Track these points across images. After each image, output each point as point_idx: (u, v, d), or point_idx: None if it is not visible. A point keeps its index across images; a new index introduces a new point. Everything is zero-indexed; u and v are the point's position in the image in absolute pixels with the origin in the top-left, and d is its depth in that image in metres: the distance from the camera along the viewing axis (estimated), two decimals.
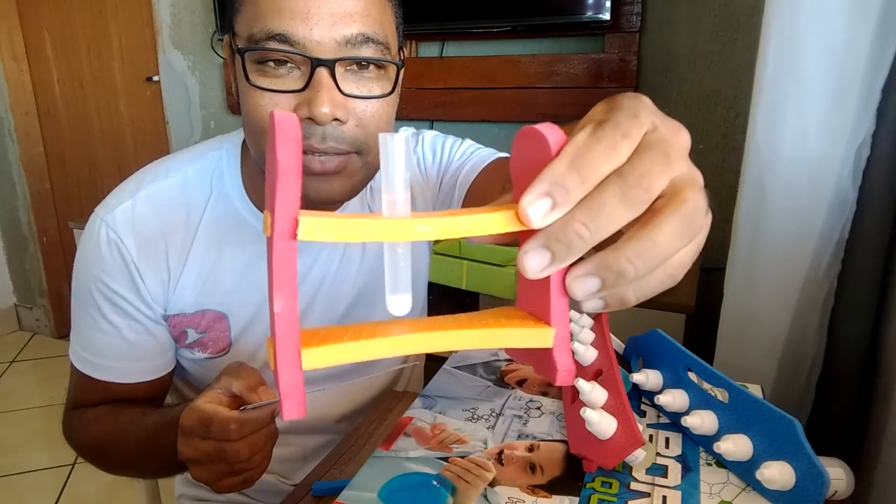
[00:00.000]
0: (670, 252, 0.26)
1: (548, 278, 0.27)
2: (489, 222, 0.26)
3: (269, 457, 0.58)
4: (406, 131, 0.82)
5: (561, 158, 0.25)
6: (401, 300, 0.27)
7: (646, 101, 0.28)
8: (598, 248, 0.26)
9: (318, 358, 0.24)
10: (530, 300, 0.29)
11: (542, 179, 0.25)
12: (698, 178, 0.27)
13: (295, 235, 0.23)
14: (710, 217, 0.27)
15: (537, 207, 0.25)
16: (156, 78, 2.36)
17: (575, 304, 0.27)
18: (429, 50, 1.82)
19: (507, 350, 0.30)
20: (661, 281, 0.27)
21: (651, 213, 0.25)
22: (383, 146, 0.26)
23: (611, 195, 0.25)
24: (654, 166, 0.25)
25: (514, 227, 0.26)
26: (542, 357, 0.29)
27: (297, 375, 0.24)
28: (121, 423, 0.70)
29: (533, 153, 0.27)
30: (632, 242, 0.25)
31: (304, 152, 0.58)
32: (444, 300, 1.54)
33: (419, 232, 0.25)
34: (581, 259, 0.26)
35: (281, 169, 0.23)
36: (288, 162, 0.23)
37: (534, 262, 0.25)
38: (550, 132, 0.26)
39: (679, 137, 0.27)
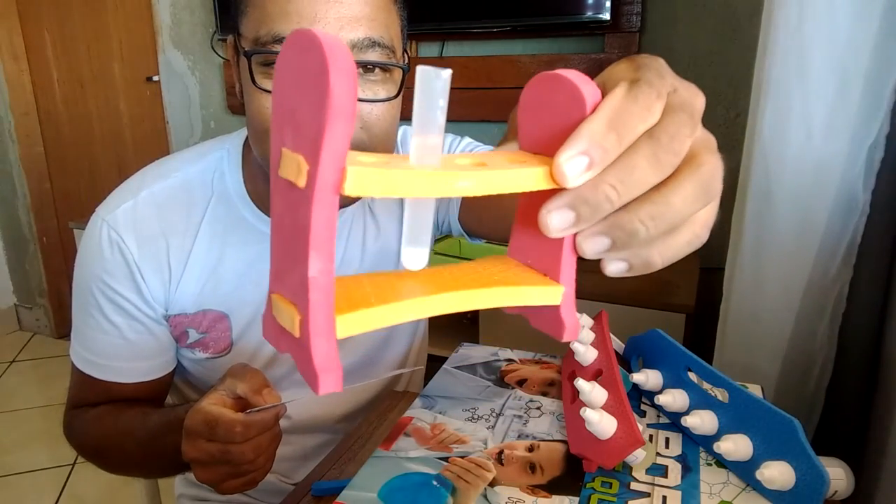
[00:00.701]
0: (685, 215, 0.25)
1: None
2: (525, 179, 0.24)
3: (272, 458, 0.58)
4: (408, 130, 0.82)
5: (600, 116, 0.24)
6: (418, 254, 0.26)
7: (663, 63, 0.27)
8: None
9: (353, 325, 0.22)
10: (531, 252, 0.28)
11: (581, 137, 0.24)
12: (712, 141, 0.27)
13: (340, 189, 0.20)
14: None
15: (574, 165, 0.24)
16: (156, 78, 2.36)
17: (595, 264, 0.27)
18: (429, 50, 1.82)
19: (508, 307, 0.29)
20: (686, 241, 0.27)
21: (671, 175, 0.25)
22: (426, 80, 0.23)
23: (642, 157, 0.24)
24: (682, 127, 0.25)
25: (545, 185, 0.25)
26: (544, 312, 0.28)
27: (332, 346, 0.22)
28: (122, 423, 0.70)
29: (560, 104, 0.26)
30: (646, 204, 0.25)
31: None
32: None
33: (462, 188, 0.23)
34: None
35: (334, 108, 0.19)
36: (343, 99, 0.19)
37: (557, 221, 0.25)
38: (585, 84, 0.25)
39: (698, 99, 0.27)
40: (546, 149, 0.26)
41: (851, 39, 0.75)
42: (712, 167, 0.26)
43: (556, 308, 0.27)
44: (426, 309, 0.24)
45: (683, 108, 0.25)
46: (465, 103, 1.79)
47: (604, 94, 0.25)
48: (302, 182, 0.21)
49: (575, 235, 0.26)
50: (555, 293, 0.27)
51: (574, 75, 0.25)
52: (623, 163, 0.24)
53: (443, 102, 0.24)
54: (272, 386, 0.57)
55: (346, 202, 0.64)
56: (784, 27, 0.78)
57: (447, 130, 0.92)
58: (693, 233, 0.27)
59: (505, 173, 0.24)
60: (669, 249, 0.26)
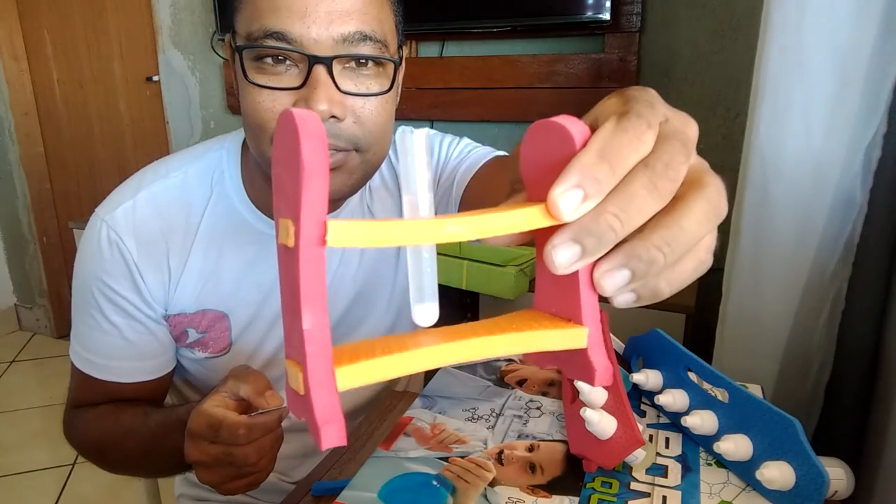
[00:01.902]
0: (698, 237, 0.25)
1: (574, 276, 0.26)
2: (519, 219, 0.25)
3: (274, 460, 0.58)
4: (406, 130, 0.82)
5: (589, 149, 0.25)
6: (428, 309, 0.26)
7: (654, 93, 0.28)
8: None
9: (354, 377, 0.22)
10: (553, 300, 0.28)
11: (571, 171, 0.25)
12: (707, 165, 0.28)
13: (324, 242, 0.21)
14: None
15: (568, 199, 0.24)
16: (156, 78, 2.36)
17: (603, 300, 0.27)
18: (429, 50, 1.82)
19: (531, 357, 0.29)
20: (693, 268, 0.27)
21: (675, 200, 0.25)
22: (402, 143, 0.24)
23: (640, 186, 0.25)
24: (676, 155, 0.25)
25: (542, 223, 0.25)
26: (574, 359, 0.28)
27: (333, 398, 0.22)
28: (123, 423, 0.70)
29: (552, 147, 0.26)
30: (659, 230, 0.25)
31: None
32: (444, 300, 1.53)
33: (450, 233, 0.23)
34: (607, 253, 0.26)
35: (307, 171, 0.21)
36: (314, 162, 0.21)
37: (563, 257, 0.25)
38: (572, 124, 0.26)
39: (690, 127, 0.27)
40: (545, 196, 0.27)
41: (851, 39, 0.75)
42: (717, 187, 0.26)
43: (583, 352, 0.27)
44: (433, 359, 0.24)
45: (676, 136, 0.26)
46: (465, 103, 1.79)
47: (593, 126, 0.26)
48: (291, 242, 0.22)
49: (592, 274, 0.26)
50: (578, 335, 0.27)
51: (563, 118, 0.26)
52: (621, 193, 0.25)
53: (424, 157, 0.24)
54: (274, 388, 0.57)
55: (340, 195, 0.64)
56: (783, 27, 0.78)
57: (450, 131, 0.91)
58: (698, 259, 0.27)
59: (498, 215, 0.25)
60: (677, 277, 0.26)
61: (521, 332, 0.26)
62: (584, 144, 0.25)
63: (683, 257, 0.26)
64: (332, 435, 0.22)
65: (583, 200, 0.24)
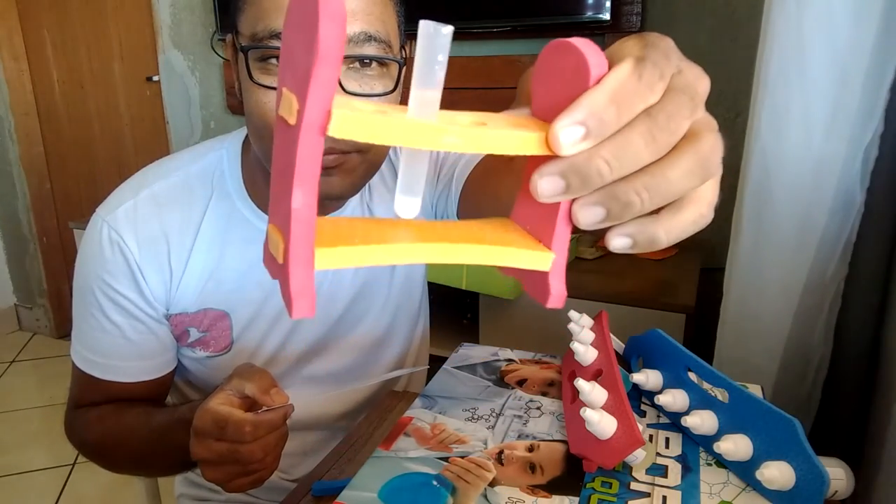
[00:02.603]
0: (681, 190, 0.25)
1: (553, 204, 0.27)
2: (517, 142, 0.25)
3: (279, 458, 0.58)
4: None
5: (602, 89, 0.25)
6: (411, 203, 0.27)
7: (671, 43, 0.28)
8: None
9: (331, 259, 0.23)
10: (529, 219, 0.29)
11: (580, 107, 0.24)
12: (713, 123, 0.28)
13: (325, 130, 0.22)
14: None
15: (569, 134, 0.24)
16: (156, 78, 2.36)
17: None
18: None
19: (503, 267, 0.30)
20: (692, 220, 0.27)
21: (670, 151, 0.25)
22: (427, 35, 0.24)
23: (638, 135, 0.24)
24: (681, 109, 0.25)
25: (538, 151, 0.25)
26: (535, 278, 0.29)
27: (309, 274, 0.23)
28: (125, 423, 0.70)
29: (567, 72, 0.26)
30: (643, 176, 0.25)
31: None
32: (444, 300, 1.54)
33: (448, 143, 0.24)
34: None
35: (322, 51, 0.20)
36: (330, 43, 0.20)
37: (547, 187, 0.25)
38: (592, 54, 0.25)
39: (702, 82, 0.27)
40: (553, 116, 0.27)
41: (850, 39, 0.75)
42: (711, 143, 0.26)
43: (545, 274, 0.28)
44: (407, 255, 0.25)
45: (685, 90, 0.26)
46: (465, 103, 1.77)
47: (611, 68, 0.26)
48: (293, 120, 0.22)
49: (571, 205, 0.26)
50: (544, 259, 0.27)
51: (583, 44, 0.25)
52: (619, 138, 0.24)
53: (442, 58, 0.24)
54: (280, 387, 0.57)
55: (341, 195, 0.64)
56: (783, 27, 0.78)
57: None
58: (698, 212, 0.27)
59: (497, 133, 0.25)
60: (675, 227, 0.26)
61: (493, 245, 0.27)
62: (598, 81, 0.25)
63: (683, 207, 0.26)
64: (304, 306, 0.23)
65: (582, 138, 0.24)
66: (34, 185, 2.67)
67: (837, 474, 0.52)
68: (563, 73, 0.26)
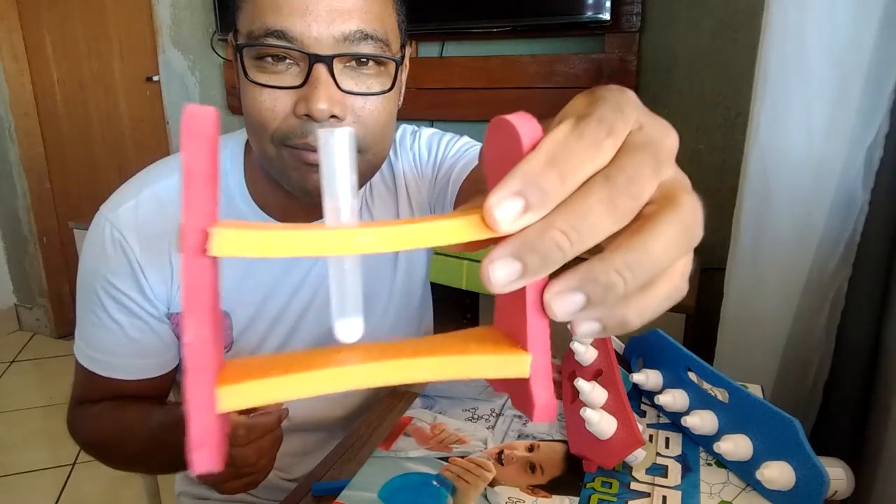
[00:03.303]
0: (665, 264, 0.23)
1: (522, 295, 0.23)
2: (448, 230, 0.22)
3: (273, 460, 0.58)
4: (407, 129, 0.82)
5: (537, 154, 0.22)
6: (351, 324, 0.23)
7: (631, 96, 0.24)
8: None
9: (238, 397, 0.20)
10: (507, 319, 0.25)
11: (513, 176, 0.22)
12: (687, 182, 0.25)
13: (205, 251, 0.19)
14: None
15: (506, 208, 0.21)
16: (156, 78, 2.36)
17: (565, 326, 0.24)
18: (429, 50, 1.82)
19: (489, 380, 0.26)
20: (666, 295, 0.24)
21: (643, 219, 0.22)
22: (324, 142, 0.21)
23: (596, 200, 0.21)
24: (643, 169, 0.22)
25: (478, 235, 0.22)
26: (519, 388, 0.24)
27: (210, 419, 0.20)
28: (125, 421, 0.70)
29: (504, 148, 0.23)
30: (621, 251, 0.22)
31: (302, 149, 0.58)
32: (445, 300, 1.54)
33: (361, 243, 0.21)
34: (559, 271, 0.22)
35: (187, 173, 0.19)
36: (196, 163, 0.19)
37: (500, 273, 0.22)
38: (522, 123, 0.22)
39: (667, 138, 0.24)
40: None
41: (851, 39, 0.75)
42: (692, 208, 0.23)
43: (526, 382, 0.23)
44: (336, 381, 0.21)
45: (647, 147, 0.23)
46: (465, 103, 1.79)
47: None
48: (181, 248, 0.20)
49: (542, 295, 0.23)
50: (520, 363, 0.23)
51: (516, 116, 0.23)
52: (573, 207, 0.21)
53: (347, 159, 0.21)
54: None
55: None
56: (783, 27, 0.78)
57: (450, 131, 0.91)
58: (672, 285, 0.24)
59: (427, 224, 0.21)
60: (648, 306, 0.23)
61: (450, 355, 0.23)
62: (533, 147, 0.22)
63: (655, 283, 0.23)
64: (204, 459, 0.20)
65: (523, 212, 0.21)
66: (34, 185, 2.67)
67: (837, 474, 0.52)
68: (502, 151, 0.23)
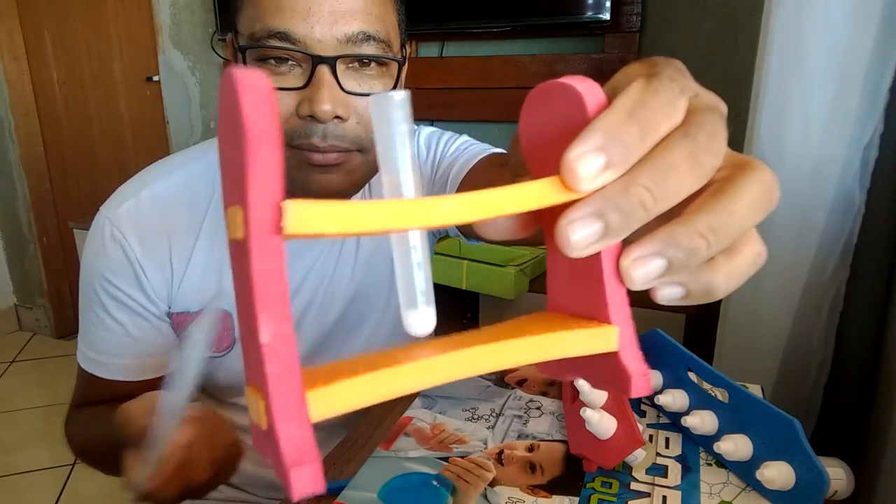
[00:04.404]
0: (748, 226, 0.21)
1: (596, 266, 0.21)
2: (526, 194, 0.20)
3: (233, 445, 0.54)
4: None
5: (615, 109, 0.20)
6: (422, 316, 0.21)
7: (683, 66, 0.24)
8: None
9: (332, 401, 0.17)
10: (571, 298, 0.23)
11: (593, 130, 0.20)
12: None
13: (280, 229, 0.17)
14: None
15: (588, 164, 0.20)
16: (156, 78, 2.36)
17: (642, 294, 0.22)
18: (429, 50, 1.82)
19: (549, 368, 0.24)
20: (752, 261, 0.22)
21: (723, 181, 0.21)
22: (378, 108, 0.19)
23: (679, 157, 0.20)
24: (718, 127, 0.21)
25: (554, 199, 0.20)
26: (601, 365, 0.22)
27: (305, 431, 0.17)
28: (102, 430, 0.70)
29: (559, 116, 0.21)
30: (704, 214, 0.20)
31: (305, 149, 0.59)
32: (445, 300, 1.54)
33: (443, 213, 0.18)
34: (636, 237, 0.21)
35: (251, 136, 0.16)
36: (260, 124, 0.16)
37: (581, 234, 0.20)
38: (582, 83, 0.21)
39: (721, 104, 0.23)
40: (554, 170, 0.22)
41: (849, 40, 0.75)
42: (770, 171, 0.22)
43: (614, 356, 0.22)
44: (432, 374, 0.19)
45: (713, 108, 0.22)
46: (465, 103, 1.79)
47: (614, 93, 0.22)
48: (241, 233, 0.17)
49: (618, 262, 0.21)
50: (608, 336, 0.22)
51: (572, 79, 0.21)
52: (655, 163, 0.20)
53: (405, 128, 0.20)
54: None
55: (340, 195, 0.63)
56: (782, 27, 0.78)
57: (449, 130, 0.90)
58: (755, 249, 0.22)
59: (500, 191, 0.20)
60: (735, 270, 0.22)
61: (537, 335, 0.21)
62: (599, 110, 0.21)
63: (740, 247, 0.22)
64: (306, 479, 0.17)
65: (604, 168, 0.20)
66: (34, 185, 2.67)
67: (837, 474, 0.52)
68: (556, 120, 0.22)
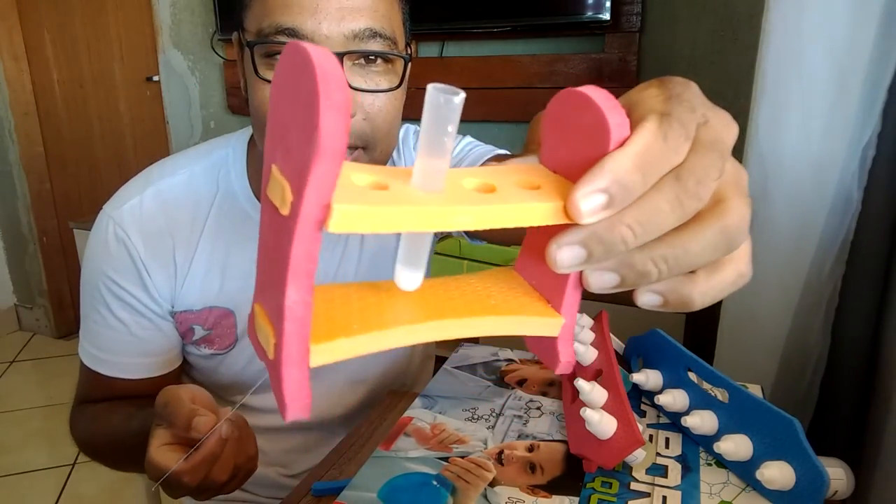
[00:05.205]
0: (701, 263, 0.24)
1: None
2: (532, 213, 0.23)
3: (254, 458, 0.56)
4: (410, 128, 0.82)
5: (626, 153, 0.23)
6: (412, 276, 0.25)
7: (696, 89, 0.26)
8: None
9: (328, 354, 0.22)
10: (536, 273, 0.28)
11: (603, 173, 0.23)
12: (743, 178, 0.26)
13: (324, 227, 0.20)
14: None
15: (591, 202, 0.23)
16: (156, 78, 2.36)
17: (624, 295, 0.25)
18: (429, 50, 1.82)
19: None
20: (731, 280, 0.25)
21: (694, 219, 0.24)
22: (436, 103, 0.22)
23: (665, 201, 0.23)
24: (710, 171, 0.23)
25: (555, 221, 0.24)
26: (543, 341, 0.28)
27: (303, 375, 0.22)
28: (111, 424, 0.70)
29: (584, 128, 0.24)
30: (662, 246, 0.23)
31: None
32: None
33: (460, 222, 0.22)
34: None
35: (323, 147, 0.18)
36: (332, 137, 0.18)
37: (567, 258, 0.23)
38: (613, 114, 0.23)
39: (730, 132, 0.25)
40: (566, 169, 0.25)
41: (849, 40, 0.75)
42: (739, 216, 0.24)
43: (553, 339, 0.27)
44: (410, 337, 0.23)
45: (714, 146, 0.24)
46: (465, 103, 1.78)
47: (629, 115, 0.24)
48: (285, 211, 0.20)
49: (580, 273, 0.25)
50: (553, 325, 0.26)
51: (603, 99, 0.24)
52: (644, 204, 0.23)
53: (451, 128, 0.22)
54: (200, 411, 0.52)
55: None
56: (781, 28, 0.78)
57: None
58: (737, 271, 0.25)
59: (510, 208, 0.23)
60: (712, 289, 0.25)
61: (500, 315, 0.26)
62: (620, 143, 0.23)
63: (722, 267, 0.25)
64: (297, 409, 0.22)
65: (604, 207, 0.23)
66: (34, 185, 2.67)
67: (837, 474, 0.52)
68: (580, 127, 0.24)
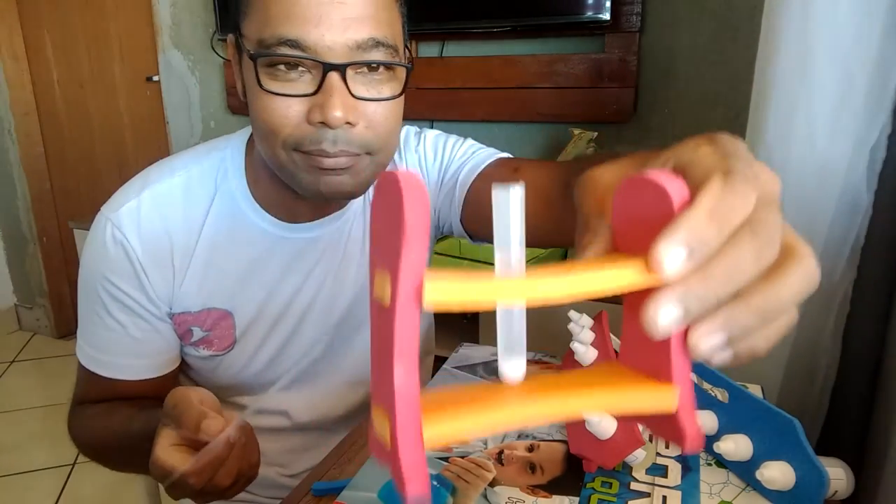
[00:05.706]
0: (790, 307, 0.25)
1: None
2: (617, 277, 0.25)
3: (256, 464, 0.57)
4: (410, 130, 0.82)
5: (699, 207, 0.24)
6: (516, 364, 0.26)
7: (743, 145, 0.28)
8: None
9: (441, 436, 0.23)
10: (640, 356, 0.28)
11: (680, 228, 0.24)
12: (790, 228, 0.27)
13: (420, 302, 0.22)
14: None
15: (672, 256, 0.24)
16: (156, 78, 2.36)
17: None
18: (429, 50, 1.82)
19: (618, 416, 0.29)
20: (786, 325, 0.26)
21: (776, 269, 0.25)
22: (498, 199, 0.24)
23: (747, 253, 0.24)
24: (777, 221, 0.25)
25: (639, 281, 0.25)
26: (664, 420, 0.27)
27: (419, 455, 0.23)
28: (111, 425, 0.70)
29: (648, 205, 0.26)
30: (757, 297, 0.24)
31: (315, 154, 0.59)
32: None
33: (547, 291, 0.24)
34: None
35: (408, 234, 0.22)
36: (416, 226, 0.22)
37: (665, 319, 0.24)
38: (670, 183, 0.25)
39: (777, 184, 0.27)
40: (643, 252, 0.26)
41: (854, 39, 0.74)
42: (813, 259, 0.26)
43: (674, 415, 0.27)
44: (520, 417, 0.24)
45: (773, 200, 0.26)
46: (465, 103, 1.79)
47: (687, 176, 0.26)
48: (387, 301, 0.22)
49: (685, 335, 0.25)
50: (668, 394, 0.26)
51: (658, 175, 0.25)
52: (728, 259, 0.24)
53: (517, 217, 0.24)
54: (210, 413, 0.52)
55: (347, 196, 0.64)
56: (788, 28, 0.78)
57: (450, 131, 0.90)
58: (791, 318, 0.27)
59: (593, 274, 0.24)
60: (773, 335, 0.26)
61: (610, 390, 0.26)
62: (683, 205, 0.25)
63: (780, 317, 0.26)
64: (416, 488, 0.23)
65: (686, 260, 0.24)
66: (34, 185, 2.67)
67: (837, 474, 0.52)
68: (645, 208, 0.26)
